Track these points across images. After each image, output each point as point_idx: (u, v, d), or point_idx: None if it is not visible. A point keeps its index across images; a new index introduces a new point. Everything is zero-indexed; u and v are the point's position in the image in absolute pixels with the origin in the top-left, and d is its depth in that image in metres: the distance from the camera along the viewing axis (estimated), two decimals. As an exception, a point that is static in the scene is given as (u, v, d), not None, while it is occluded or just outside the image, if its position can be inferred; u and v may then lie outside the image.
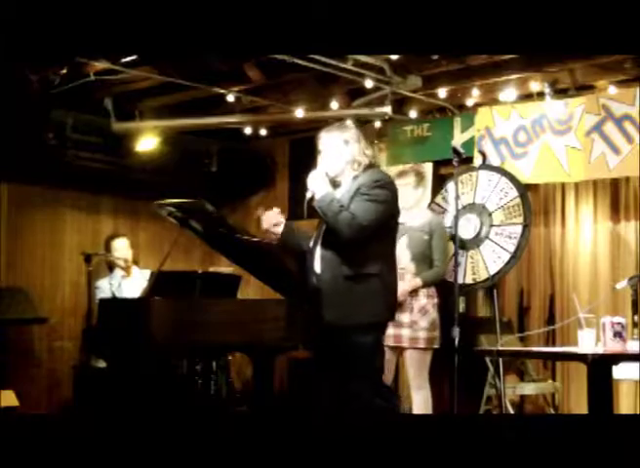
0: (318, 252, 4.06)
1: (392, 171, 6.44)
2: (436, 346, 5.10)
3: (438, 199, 6.28)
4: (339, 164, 4.09)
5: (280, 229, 4.19)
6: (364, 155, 4.08)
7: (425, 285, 5.14)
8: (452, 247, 5.56)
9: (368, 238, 3.94)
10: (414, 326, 5.08)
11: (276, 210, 4.22)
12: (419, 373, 5.12)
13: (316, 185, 4.02)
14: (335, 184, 4.10)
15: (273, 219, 4.20)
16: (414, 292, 5.12)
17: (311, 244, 4.15)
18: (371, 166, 4.10)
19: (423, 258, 5.19)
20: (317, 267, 4.05)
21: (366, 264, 3.95)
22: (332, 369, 4.11)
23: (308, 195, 4.04)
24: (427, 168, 6.62)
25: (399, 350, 5.19)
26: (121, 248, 6.67)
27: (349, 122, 4.29)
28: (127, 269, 6.66)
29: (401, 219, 5.23)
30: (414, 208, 5.31)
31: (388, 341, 5.11)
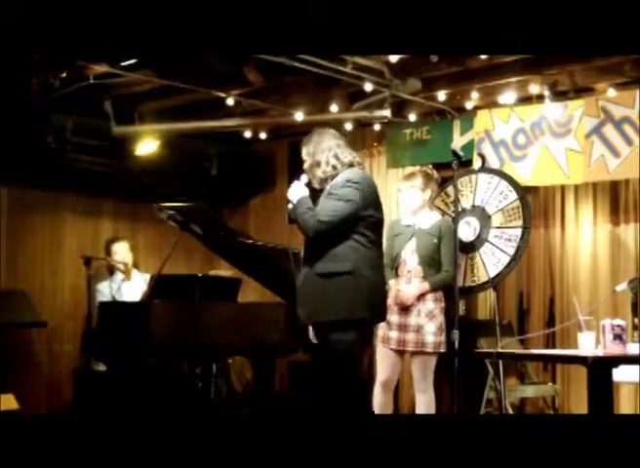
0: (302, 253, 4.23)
1: (400, 173, 6.48)
2: (443, 350, 5.06)
3: (438, 202, 6.28)
4: (311, 171, 4.23)
5: None
6: (335, 159, 4.17)
7: (433, 289, 5.12)
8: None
9: (333, 236, 4.03)
10: (420, 330, 5.05)
11: None
12: (423, 377, 5.10)
13: (294, 195, 4.16)
14: (321, 190, 4.21)
15: None
16: (421, 296, 5.10)
17: None
18: (350, 166, 4.18)
19: (431, 262, 5.16)
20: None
21: (337, 262, 4.02)
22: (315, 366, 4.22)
23: (289, 207, 4.19)
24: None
25: (404, 354, 5.17)
26: (121, 251, 6.68)
27: (316, 129, 4.39)
28: (126, 273, 6.67)
29: (410, 222, 5.26)
30: (422, 210, 5.29)
31: (391, 344, 5.10)
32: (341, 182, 4.08)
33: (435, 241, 5.16)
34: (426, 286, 5.10)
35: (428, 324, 5.05)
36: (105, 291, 6.60)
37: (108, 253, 6.69)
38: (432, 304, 5.10)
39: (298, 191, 4.15)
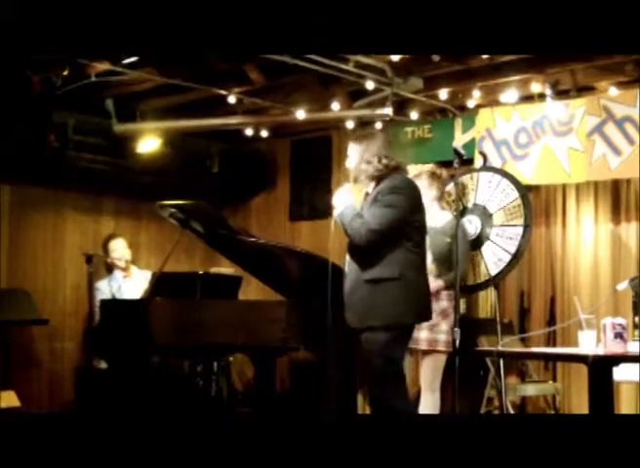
0: (346, 257, 4.30)
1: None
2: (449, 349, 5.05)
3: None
4: (356, 170, 4.30)
5: None
6: (382, 164, 4.24)
7: (447, 287, 5.10)
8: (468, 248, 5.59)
9: (382, 242, 4.11)
10: (434, 328, 5.03)
11: None
12: (434, 376, 5.09)
13: (339, 200, 4.25)
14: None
15: None
16: (436, 294, 5.08)
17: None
18: (395, 170, 4.27)
19: (444, 260, 5.15)
20: (347, 272, 4.29)
21: (384, 268, 4.12)
22: (354, 369, 4.26)
23: (335, 212, 4.26)
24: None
25: (415, 352, 5.15)
26: (119, 248, 6.68)
27: (368, 129, 4.49)
28: (126, 269, 6.67)
29: None
30: (430, 209, 5.27)
31: None
32: (387, 189, 4.17)
33: (448, 240, 5.15)
34: (441, 283, 5.08)
35: (442, 322, 5.02)
36: (105, 289, 6.60)
37: (106, 250, 6.69)
38: (446, 303, 5.07)
39: (344, 197, 4.24)
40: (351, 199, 4.24)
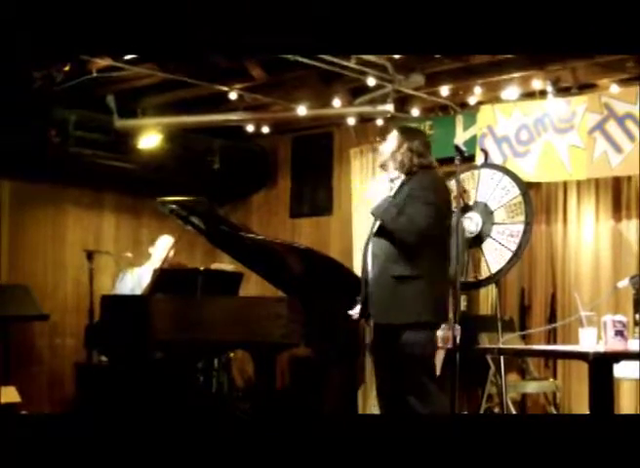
0: (370, 250, 4.25)
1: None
2: (449, 346, 5.05)
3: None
4: (388, 159, 4.33)
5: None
6: (412, 161, 4.27)
7: None
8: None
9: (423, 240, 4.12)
10: None
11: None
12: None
13: (373, 193, 4.25)
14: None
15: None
16: None
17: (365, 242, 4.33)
18: (424, 167, 4.28)
19: None
20: (369, 265, 4.23)
21: (413, 266, 4.11)
22: (379, 366, 4.33)
23: (373, 205, 4.25)
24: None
25: None
26: (161, 246, 6.53)
27: (412, 129, 4.64)
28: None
29: None
30: None
31: None
32: (424, 185, 4.18)
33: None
34: None
35: None
36: (127, 279, 6.52)
37: (152, 244, 6.60)
38: None
39: (378, 191, 4.24)
40: (387, 193, 4.22)
